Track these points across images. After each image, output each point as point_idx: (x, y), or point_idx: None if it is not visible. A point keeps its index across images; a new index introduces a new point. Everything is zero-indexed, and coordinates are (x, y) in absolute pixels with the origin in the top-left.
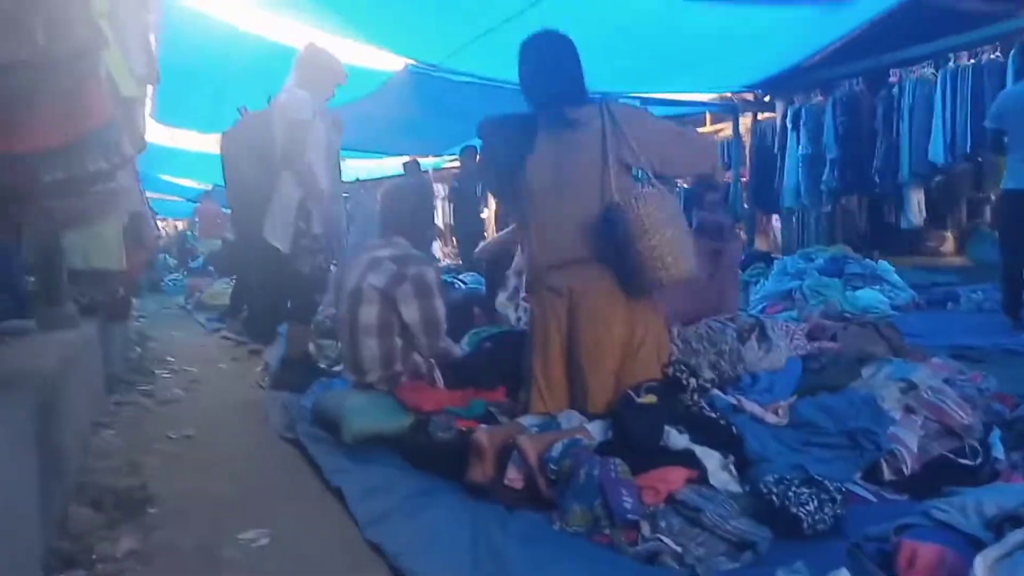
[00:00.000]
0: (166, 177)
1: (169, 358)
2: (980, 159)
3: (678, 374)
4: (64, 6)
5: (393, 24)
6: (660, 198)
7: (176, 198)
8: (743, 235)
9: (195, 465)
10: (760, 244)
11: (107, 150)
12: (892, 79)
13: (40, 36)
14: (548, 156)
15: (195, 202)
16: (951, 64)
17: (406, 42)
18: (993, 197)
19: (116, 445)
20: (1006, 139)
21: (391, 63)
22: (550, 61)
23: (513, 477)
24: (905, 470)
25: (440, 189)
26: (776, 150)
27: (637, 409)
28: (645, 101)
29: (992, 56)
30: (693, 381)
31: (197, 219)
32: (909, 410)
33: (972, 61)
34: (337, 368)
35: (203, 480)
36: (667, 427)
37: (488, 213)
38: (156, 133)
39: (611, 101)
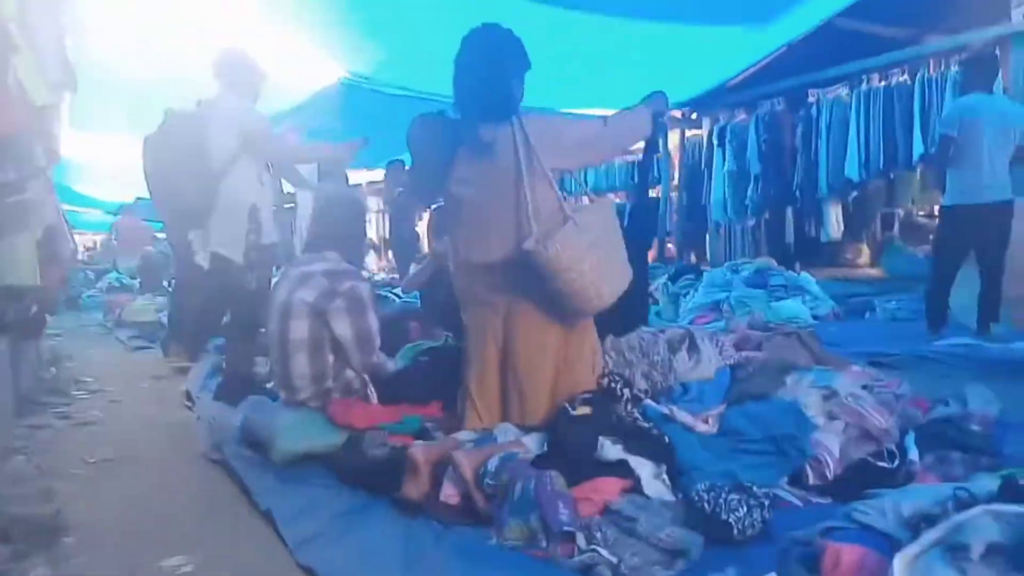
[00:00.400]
0: (82, 189)
1: (87, 378)
2: (892, 176)
3: (612, 384)
4: None
5: (326, 28)
6: (575, 231)
7: (93, 211)
8: (672, 248)
9: (114, 490)
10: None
11: (17, 160)
12: (811, 99)
13: None
14: (468, 174)
15: (115, 215)
16: (864, 86)
17: (338, 48)
18: (901, 212)
19: (27, 471)
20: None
21: (323, 75)
22: (476, 67)
23: (449, 493)
24: (828, 474)
25: (374, 203)
26: (703, 167)
27: (571, 421)
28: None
29: (901, 79)
30: (627, 391)
31: (115, 234)
32: (831, 416)
33: (883, 83)
34: (270, 385)
35: (122, 506)
36: (601, 438)
37: (421, 225)
38: (73, 143)
39: (524, 116)
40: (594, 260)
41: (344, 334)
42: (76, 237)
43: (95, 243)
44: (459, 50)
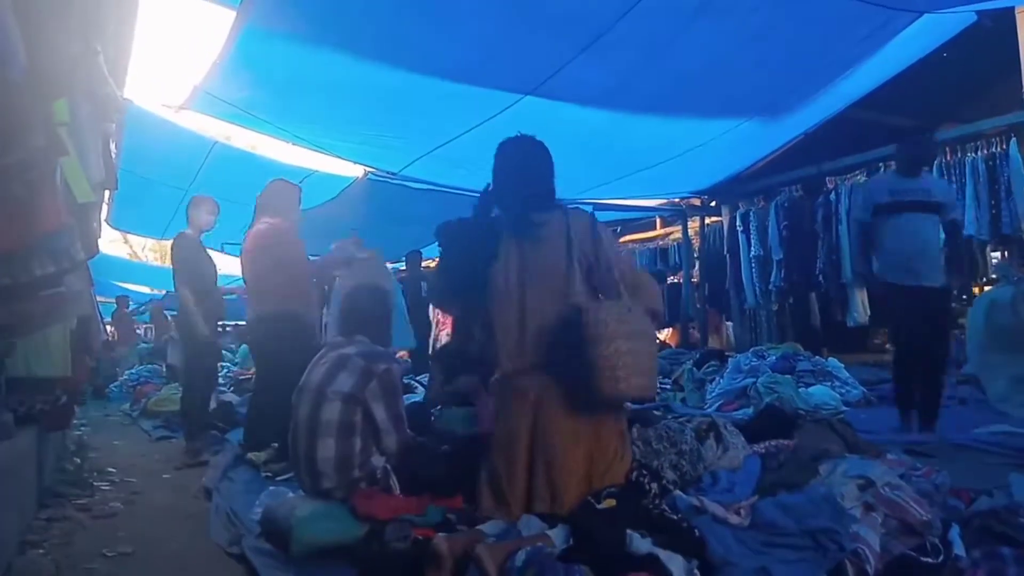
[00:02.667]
0: (119, 283)
1: (110, 469)
2: None
3: (640, 479)
4: (23, 115)
5: (354, 139)
6: (622, 311)
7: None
8: (696, 333)
9: None
10: (713, 342)
11: (56, 255)
12: (829, 186)
13: None
14: (513, 259)
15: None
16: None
17: (366, 154)
18: None
19: (43, 566)
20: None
21: (352, 170)
22: (521, 166)
23: None
24: (869, 570)
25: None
26: (725, 252)
27: (597, 515)
28: (599, 206)
29: None
30: (654, 486)
31: (112, 326)
32: (868, 507)
33: None
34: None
35: None
36: (629, 531)
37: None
38: (113, 239)
39: (571, 210)
40: (630, 345)
41: (380, 416)
42: (107, 327)
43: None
44: (498, 156)
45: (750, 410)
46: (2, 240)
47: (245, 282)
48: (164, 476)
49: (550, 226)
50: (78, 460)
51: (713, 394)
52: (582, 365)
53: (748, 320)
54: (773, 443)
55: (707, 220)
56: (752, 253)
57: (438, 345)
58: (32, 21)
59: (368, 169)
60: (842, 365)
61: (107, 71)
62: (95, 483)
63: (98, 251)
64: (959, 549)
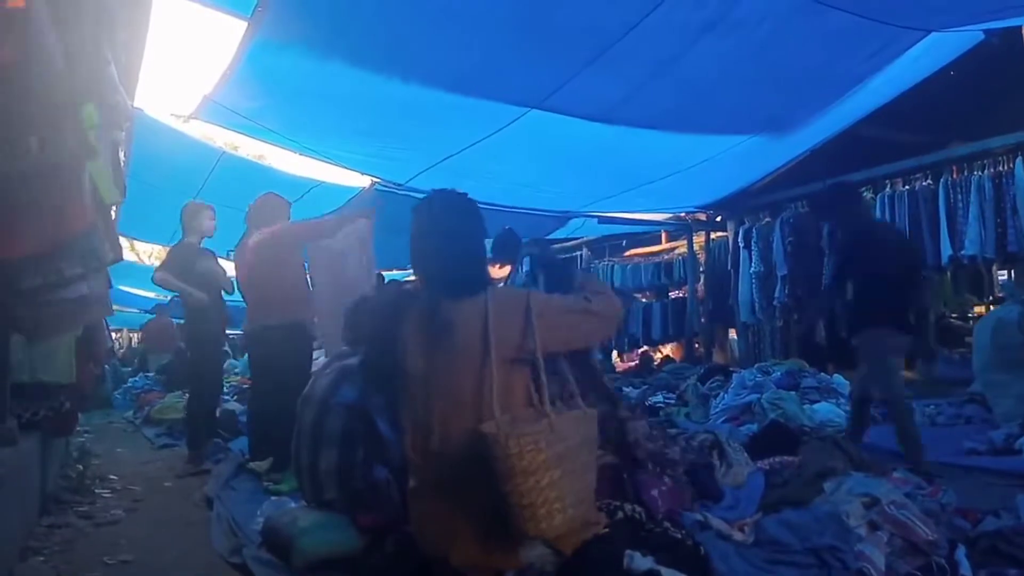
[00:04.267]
0: (124, 288)
1: (112, 476)
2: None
3: (625, 516)
4: (58, 119)
5: (362, 150)
6: (548, 433)
7: (134, 310)
8: (700, 348)
9: None
10: (718, 358)
11: (85, 256)
12: None
13: (34, 147)
14: (422, 362)
15: (152, 314)
16: (888, 189)
17: (373, 165)
18: (934, 315)
19: (44, 572)
20: None
21: (359, 180)
22: (439, 237)
23: None
24: None
25: None
26: (729, 267)
27: (590, 540)
28: (604, 220)
29: (925, 183)
30: (628, 508)
31: (144, 333)
32: (874, 526)
33: (907, 187)
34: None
35: None
36: (629, 552)
37: None
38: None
39: (497, 289)
40: (558, 475)
41: (384, 427)
42: (113, 334)
43: (129, 341)
44: (416, 219)
45: (754, 426)
46: (36, 242)
47: (244, 293)
48: (166, 484)
49: (464, 321)
50: (80, 467)
51: (717, 409)
52: (500, 499)
53: (752, 336)
54: (777, 460)
55: (712, 235)
56: (752, 269)
57: None
58: (66, 28)
59: (375, 180)
60: (847, 382)
61: (118, 80)
62: (97, 490)
63: (122, 254)
64: (965, 569)
